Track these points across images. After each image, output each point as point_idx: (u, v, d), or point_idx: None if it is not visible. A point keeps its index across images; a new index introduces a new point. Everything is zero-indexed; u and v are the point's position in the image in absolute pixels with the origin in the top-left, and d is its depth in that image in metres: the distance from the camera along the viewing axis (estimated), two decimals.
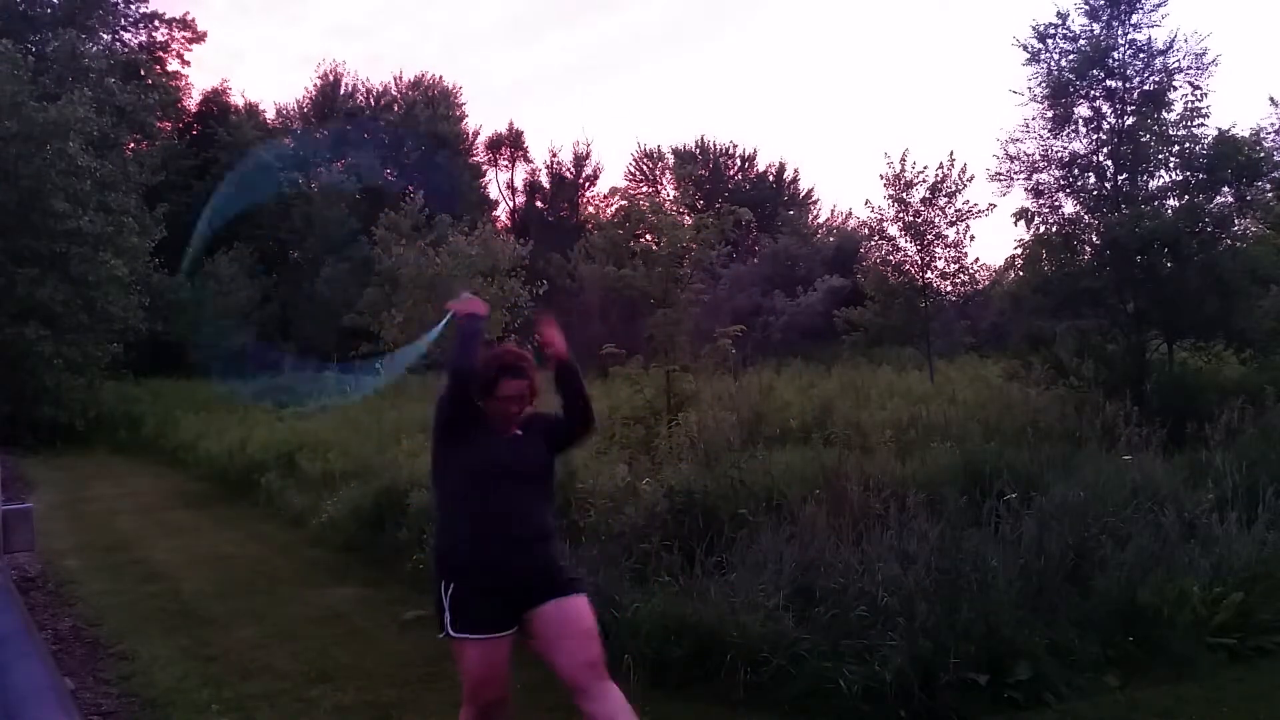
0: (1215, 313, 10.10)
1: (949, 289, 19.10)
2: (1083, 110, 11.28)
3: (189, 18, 33.71)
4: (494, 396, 3.16)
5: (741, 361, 16.92)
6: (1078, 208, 11.40)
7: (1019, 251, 12.00)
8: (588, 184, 47.73)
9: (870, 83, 75.20)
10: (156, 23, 33.17)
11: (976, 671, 4.13)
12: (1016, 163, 11.64)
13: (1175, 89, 10.89)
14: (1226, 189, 10.62)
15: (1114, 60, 11.04)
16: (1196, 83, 10.77)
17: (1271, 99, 14.50)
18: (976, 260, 19.35)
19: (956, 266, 18.33)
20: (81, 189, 18.08)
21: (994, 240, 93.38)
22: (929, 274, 18.26)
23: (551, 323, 3.28)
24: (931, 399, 12.08)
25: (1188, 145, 10.53)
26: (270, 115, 39.76)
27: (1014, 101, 11.74)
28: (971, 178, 17.32)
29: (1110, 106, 11.18)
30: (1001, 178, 11.82)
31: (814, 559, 4.84)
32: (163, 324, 24.22)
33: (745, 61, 75.44)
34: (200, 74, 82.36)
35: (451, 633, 3.04)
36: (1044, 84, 11.34)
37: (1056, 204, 11.46)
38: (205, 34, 34.21)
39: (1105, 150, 11.17)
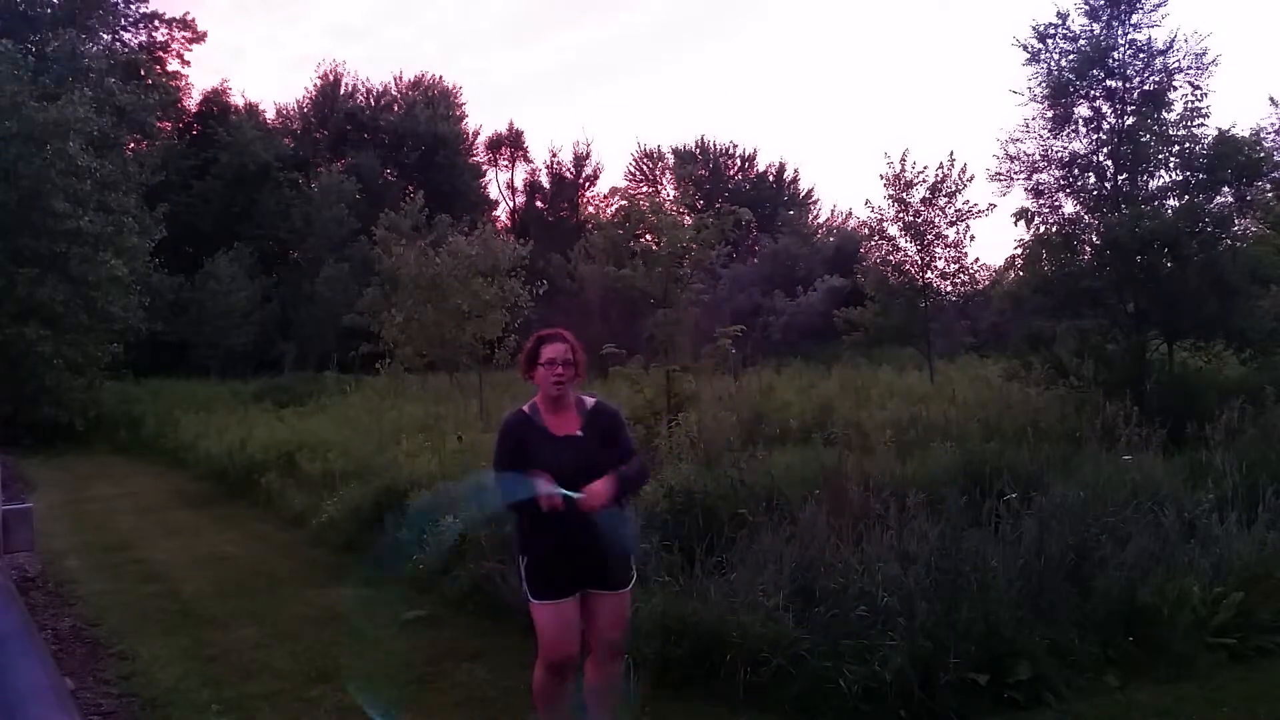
0: (1215, 313, 10.10)
1: (949, 289, 19.07)
2: (1083, 110, 11.29)
3: (189, 18, 33.81)
4: (539, 364, 3.49)
5: (741, 361, 16.93)
6: (1078, 208, 11.40)
7: (1019, 251, 11.99)
8: (588, 184, 47.79)
9: (870, 83, 75.35)
10: (156, 23, 33.23)
11: (976, 671, 4.13)
12: (1016, 163, 11.64)
13: (1175, 89, 10.89)
14: (1226, 189, 10.62)
15: (1114, 60, 11.03)
16: (1196, 83, 10.77)
17: (1271, 99, 14.56)
18: (976, 260, 19.30)
19: (956, 266, 18.29)
20: (81, 189, 18.09)
21: (994, 240, 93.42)
22: (929, 274, 18.23)
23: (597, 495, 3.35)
24: (931, 399, 12.08)
25: (1188, 145, 10.52)
26: (270, 115, 39.81)
27: (1014, 101, 11.75)
28: (971, 178, 17.31)
29: (1110, 106, 11.18)
30: (1001, 178, 11.82)
31: (814, 559, 4.84)
32: (163, 324, 24.25)
33: (745, 61, 75.56)
34: (200, 74, 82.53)
35: (530, 598, 3.46)
36: (1044, 84, 11.33)
37: (1056, 204, 11.46)
38: (205, 34, 34.30)
39: (1105, 150, 11.16)
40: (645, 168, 48.02)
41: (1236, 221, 10.83)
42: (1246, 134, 10.83)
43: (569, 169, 47.45)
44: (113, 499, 11.49)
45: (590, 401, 3.58)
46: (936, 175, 17.60)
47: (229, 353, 28.20)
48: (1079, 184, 11.34)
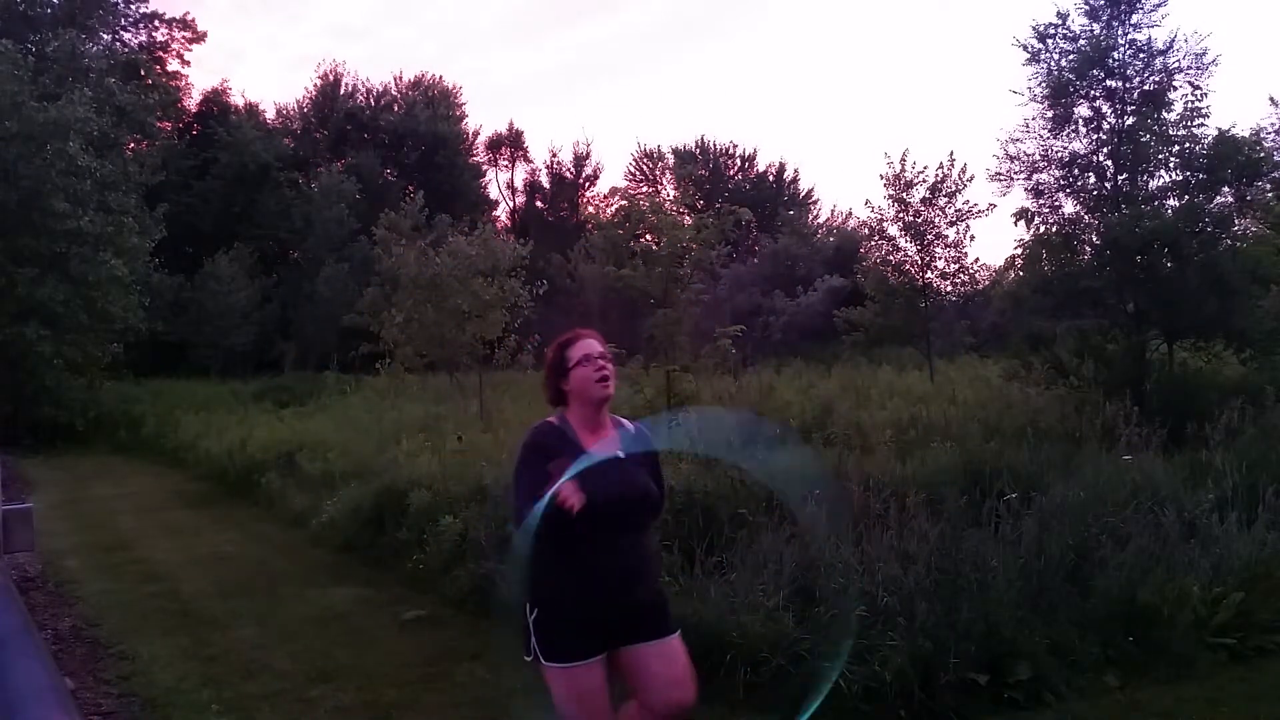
0: (1215, 313, 10.08)
1: (949, 289, 19.06)
2: (1083, 110, 11.26)
3: (189, 18, 33.85)
4: (571, 367, 2.86)
5: (741, 361, 16.91)
6: (1078, 208, 11.37)
7: (1019, 251, 11.96)
8: (588, 184, 47.82)
9: (870, 83, 75.36)
10: (156, 23, 33.27)
11: (976, 671, 4.12)
12: (1016, 163, 11.61)
13: (1175, 89, 10.86)
14: (1226, 189, 10.60)
15: (1114, 60, 11.02)
16: (1196, 83, 10.75)
17: (1271, 99, 14.49)
18: (976, 260, 19.29)
19: (956, 266, 18.27)
20: (81, 189, 18.10)
21: (994, 240, 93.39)
22: (929, 274, 18.21)
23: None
24: (931, 399, 12.06)
25: (1188, 145, 10.50)
26: (270, 115, 39.82)
27: (1014, 101, 11.71)
28: (971, 178, 17.28)
29: (1110, 106, 11.16)
30: (1001, 178, 11.79)
31: (814, 559, 4.84)
32: (163, 324, 24.27)
33: (745, 61, 75.59)
34: (200, 74, 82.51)
35: (543, 661, 2.76)
36: (1044, 84, 11.31)
37: (1056, 204, 11.43)
38: (205, 34, 34.34)
39: (1105, 150, 11.14)
40: (645, 168, 48.01)
41: (1236, 221, 10.81)
42: (1246, 134, 10.82)
43: (569, 169, 47.49)
44: (112, 499, 11.50)
45: (630, 424, 2.97)
46: (936, 175, 17.59)
47: (229, 353, 28.21)
48: (1079, 184, 11.32)
